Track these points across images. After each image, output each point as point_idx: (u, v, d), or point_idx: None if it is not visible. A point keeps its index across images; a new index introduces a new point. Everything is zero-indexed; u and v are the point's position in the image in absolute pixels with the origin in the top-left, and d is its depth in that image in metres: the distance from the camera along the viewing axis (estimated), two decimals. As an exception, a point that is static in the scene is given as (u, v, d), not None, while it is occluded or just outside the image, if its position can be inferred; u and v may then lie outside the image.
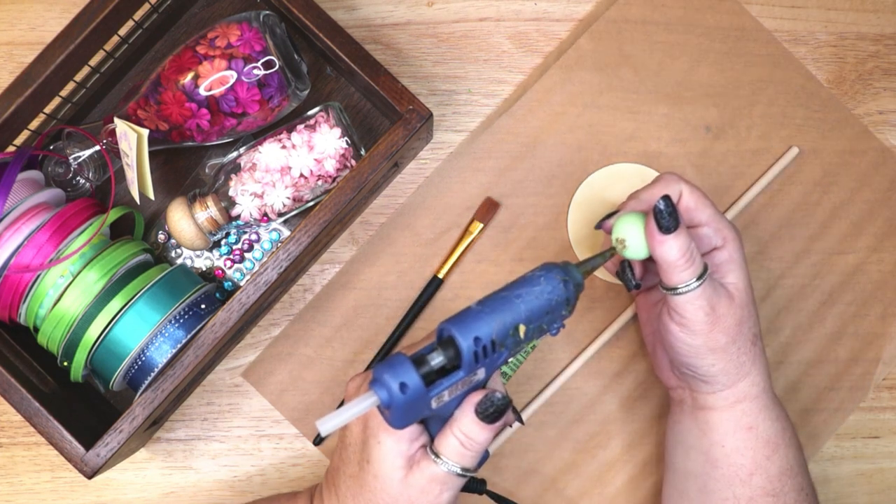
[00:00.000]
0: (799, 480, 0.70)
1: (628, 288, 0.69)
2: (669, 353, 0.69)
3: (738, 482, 0.69)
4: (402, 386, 0.56)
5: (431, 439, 0.63)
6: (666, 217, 0.63)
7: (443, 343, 0.59)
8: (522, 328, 0.60)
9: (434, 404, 0.59)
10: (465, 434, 0.61)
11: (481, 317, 0.59)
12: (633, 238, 0.65)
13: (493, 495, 0.70)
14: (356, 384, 0.66)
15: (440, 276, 0.81)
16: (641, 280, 0.69)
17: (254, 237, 0.81)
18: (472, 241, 0.81)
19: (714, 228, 0.67)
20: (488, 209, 0.81)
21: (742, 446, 0.69)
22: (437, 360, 0.59)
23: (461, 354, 0.58)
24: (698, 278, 0.64)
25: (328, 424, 0.55)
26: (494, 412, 0.60)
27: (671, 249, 0.63)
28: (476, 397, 0.61)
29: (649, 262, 0.72)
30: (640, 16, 0.83)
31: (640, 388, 0.81)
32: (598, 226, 0.69)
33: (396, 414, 0.58)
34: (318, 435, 0.80)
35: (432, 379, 0.59)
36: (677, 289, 0.64)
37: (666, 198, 0.63)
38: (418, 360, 0.58)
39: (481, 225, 0.81)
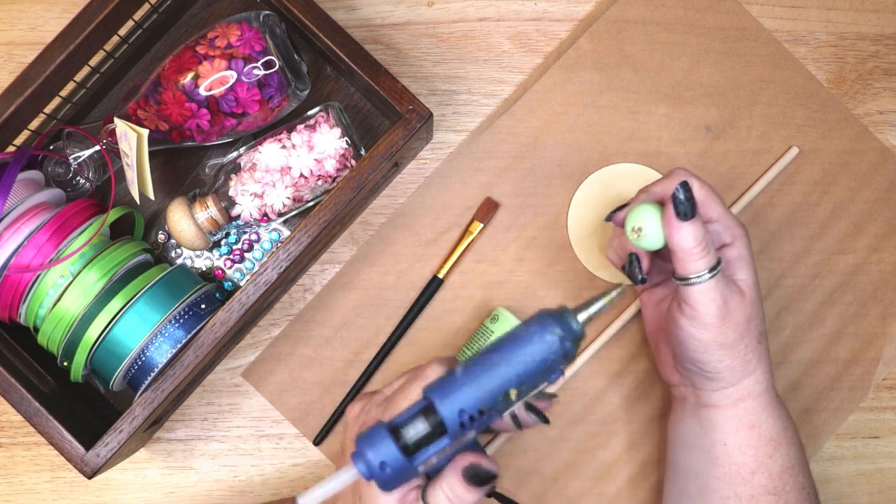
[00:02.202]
0: (800, 479, 0.70)
1: (634, 282, 0.69)
2: (676, 349, 0.69)
3: (739, 481, 0.69)
4: (383, 464, 0.55)
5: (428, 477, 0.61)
6: (684, 203, 0.63)
7: (426, 410, 0.57)
8: (514, 392, 0.57)
9: (422, 468, 0.57)
10: (453, 492, 0.59)
11: (467, 386, 0.56)
12: (649, 226, 0.65)
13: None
14: (354, 413, 0.65)
15: (440, 276, 0.81)
16: (648, 275, 0.69)
17: (254, 237, 0.81)
18: (472, 240, 0.81)
19: (724, 225, 0.67)
20: (488, 209, 0.81)
21: (744, 444, 0.69)
22: (420, 428, 0.57)
23: (445, 424, 0.56)
24: (711, 270, 0.64)
25: (310, 497, 0.55)
26: (479, 481, 0.58)
27: (687, 237, 0.63)
28: (463, 461, 0.58)
29: (657, 259, 0.72)
30: (640, 16, 0.83)
31: (641, 388, 0.81)
32: (609, 218, 0.69)
33: (382, 484, 0.56)
34: (319, 435, 0.80)
35: (418, 446, 0.57)
36: (690, 279, 0.64)
37: (684, 184, 0.63)
38: (401, 429, 0.56)
39: (481, 225, 0.81)
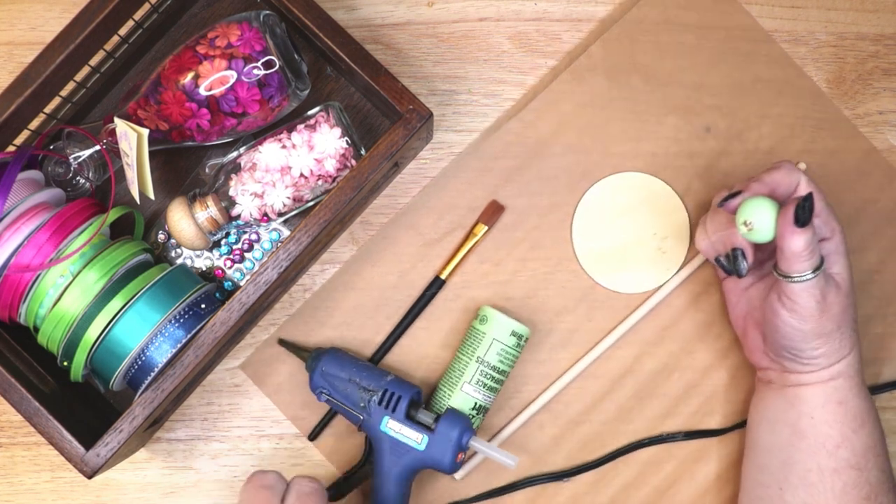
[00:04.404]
0: (882, 461, 0.72)
1: (738, 275, 0.71)
2: (772, 336, 0.71)
3: (823, 453, 0.71)
4: None
5: None
6: (807, 212, 0.65)
7: None
8: None
9: None
10: None
11: None
12: (760, 222, 0.66)
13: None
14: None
15: (442, 276, 0.81)
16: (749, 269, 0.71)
17: (254, 237, 0.81)
18: (476, 243, 0.81)
19: (824, 220, 0.70)
20: (493, 212, 0.81)
21: (831, 419, 0.71)
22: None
23: None
24: (814, 270, 0.66)
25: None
26: None
27: (799, 241, 0.65)
28: None
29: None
30: (652, 23, 0.82)
31: (641, 391, 0.81)
32: (721, 204, 0.70)
33: None
34: (314, 430, 0.80)
35: None
36: (792, 277, 0.67)
37: (811, 196, 0.65)
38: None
39: (485, 227, 0.81)
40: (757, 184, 0.69)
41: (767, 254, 0.74)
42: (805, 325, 0.68)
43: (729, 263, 0.72)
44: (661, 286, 0.81)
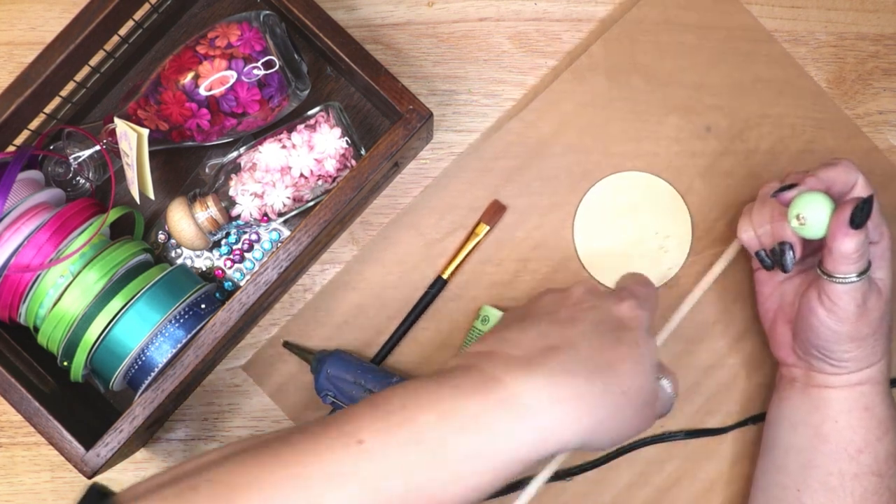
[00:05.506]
0: None
1: (784, 270, 0.69)
2: (805, 334, 0.70)
3: (845, 458, 0.70)
4: None
5: None
6: (864, 215, 0.63)
7: None
8: None
9: None
10: None
11: None
12: (814, 218, 0.65)
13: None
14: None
15: (444, 276, 0.81)
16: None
17: (254, 237, 0.81)
18: (478, 243, 0.81)
19: (875, 224, 0.68)
20: (495, 212, 0.81)
21: (856, 424, 0.70)
22: None
23: None
24: (860, 273, 0.65)
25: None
26: None
27: (851, 243, 0.64)
28: None
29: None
30: (653, 23, 0.82)
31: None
32: (775, 195, 0.68)
33: None
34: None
35: None
36: (837, 278, 0.65)
37: (871, 198, 0.64)
38: None
39: (487, 227, 0.81)
40: (813, 179, 0.67)
41: (810, 250, 0.72)
42: (841, 327, 0.67)
43: (771, 257, 0.70)
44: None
